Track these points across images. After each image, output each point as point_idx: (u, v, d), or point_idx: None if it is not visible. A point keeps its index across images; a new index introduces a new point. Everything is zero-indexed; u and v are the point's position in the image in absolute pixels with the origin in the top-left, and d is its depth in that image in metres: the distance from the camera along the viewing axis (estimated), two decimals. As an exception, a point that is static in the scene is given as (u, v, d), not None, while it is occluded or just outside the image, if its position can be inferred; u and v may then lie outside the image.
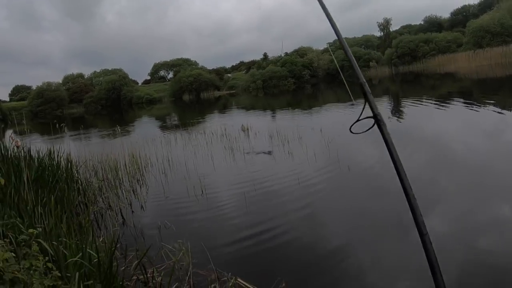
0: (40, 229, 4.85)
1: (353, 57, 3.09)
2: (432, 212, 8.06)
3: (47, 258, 4.05)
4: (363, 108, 2.85)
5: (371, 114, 2.84)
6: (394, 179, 8.62)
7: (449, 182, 9.94)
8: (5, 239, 3.74)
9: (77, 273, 4.38)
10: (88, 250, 5.28)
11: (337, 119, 25.69)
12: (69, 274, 4.42)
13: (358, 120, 3.04)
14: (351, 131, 3.26)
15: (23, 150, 10.39)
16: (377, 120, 2.81)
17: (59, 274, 3.96)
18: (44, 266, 3.75)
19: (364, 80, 2.88)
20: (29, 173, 8.52)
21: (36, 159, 11.32)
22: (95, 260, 5.17)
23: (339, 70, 4.01)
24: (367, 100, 2.84)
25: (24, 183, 7.77)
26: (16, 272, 3.32)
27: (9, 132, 28.12)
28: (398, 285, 5.88)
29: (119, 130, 20.01)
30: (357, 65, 2.99)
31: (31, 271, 3.54)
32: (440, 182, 10.01)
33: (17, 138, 9.40)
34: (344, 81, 3.70)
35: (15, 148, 10.28)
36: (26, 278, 3.40)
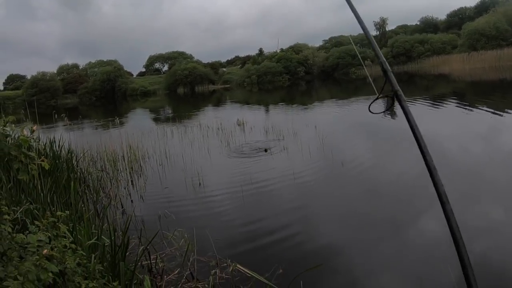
0: (68, 212, 5.17)
1: (373, 38, 3.21)
2: (428, 215, 8.41)
3: (71, 239, 4.38)
4: (383, 87, 3.04)
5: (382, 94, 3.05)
6: (388, 175, 9.07)
7: (446, 183, 10.22)
8: (41, 221, 4.06)
9: (93, 255, 4.73)
10: (102, 236, 5.66)
11: (331, 116, 26.00)
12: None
13: (377, 98, 3.15)
14: (370, 111, 3.46)
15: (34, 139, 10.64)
16: (397, 96, 2.94)
17: (84, 253, 4.32)
18: (69, 248, 4.08)
19: (384, 59, 2.99)
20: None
21: (49, 148, 11.59)
22: (107, 244, 5.54)
23: (362, 61, 4.22)
24: (387, 77, 2.99)
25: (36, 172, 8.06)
26: (51, 251, 3.67)
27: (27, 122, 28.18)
28: (392, 279, 6.24)
29: (118, 121, 20.24)
30: (376, 44, 3.15)
31: (63, 251, 3.88)
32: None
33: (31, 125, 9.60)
34: (370, 80, 3.60)
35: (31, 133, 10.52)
36: (60, 256, 3.75)
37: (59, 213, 4.37)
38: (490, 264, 6.16)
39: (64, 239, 4.03)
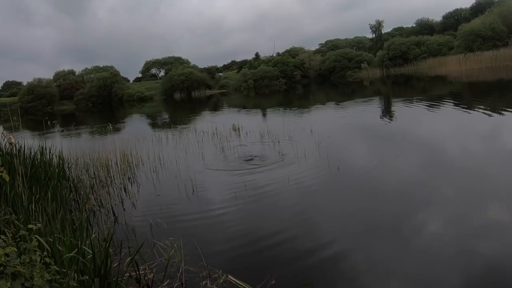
0: (40, 225, 4.92)
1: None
2: (427, 215, 8.23)
3: (44, 253, 4.15)
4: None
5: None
6: (383, 179, 8.83)
7: (441, 184, 10.07)
8: (5, 236, 3.83)
9: (73, 268, 4.49)
10: (83, 246, 5.40)
11: (327, 120, 25.85)
12: (64, 270, 4.52)
13: None
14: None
15: (15, 147, 10.39)
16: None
17: (57, 269, 4.07)
18: (42, 261, 3.86)
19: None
20: (23, 170, 8.58)
21: (29, 156, 11.34)
22: (89, 256, 5.29)
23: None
24: None
25: (18, 180, 7.84)
26: (17, 267, 3.44)
27: (0, 128, 28.00)
28: (388, 284, 6.01)
29: (111, 127, 20.01)
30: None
31: (31, 266, 3.65)
32: (432, 184, 10.12)
33: (10, 134, 9.39)
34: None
35: (8, 144, 10.27)
36: (27, 272, 3.52)
37: (30, 225, 4.12)
38: (500, 264, 6.00)
39: (35, 253, 3.78)
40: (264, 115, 35.60)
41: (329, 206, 9.64)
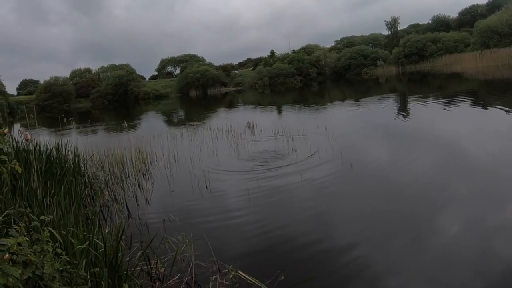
0: (51, 216, 5.02)
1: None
2: (444, 214, 8.20)
3: (56, 244, 4.22)
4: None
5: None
6: (397, 178, 8.83)
7: (459, 183, 10.01)
8: (18, 226, 3.92)
9: (84, 260, 4.57)
10: (94, 239, 5.48)
11: (342, 117, 25.81)
12: (76, 262, 4.60)
13: None
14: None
15: (32, 143, 10.51)
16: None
17: (68, 259, 4.16)
18: (54, 252, 3.95)
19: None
20: (39, 166, 8.70)
21: (44, 152, 11.44)
22: (101, 250, 5.37)
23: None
24: None
25: (33, 175, 7.96)
26: (29, 255, 3.53)
27: (17, 126, 28.22)
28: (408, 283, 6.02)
29: (126, 125, 20.08)
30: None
31: (42, 255, 3.74)
32: (447, 183, 10.05)
33: (26, 131, 9.47)
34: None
35: (24, 141, 10.40)
36: (38, 261, 3.61)
37: (42, 217, 4.21)
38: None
39: (47, 244, 3.87)
40: (279, 112, 35.56)
41: (341, 204, 9.65)
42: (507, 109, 19.36)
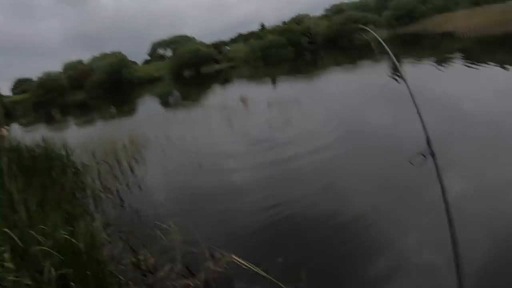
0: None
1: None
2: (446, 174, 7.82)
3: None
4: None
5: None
6: (400, 144, 8.23)
7: (457, 141, 9.61)
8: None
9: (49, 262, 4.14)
10: (81, 233, 5.03)
11: (336, 83, 25.44)
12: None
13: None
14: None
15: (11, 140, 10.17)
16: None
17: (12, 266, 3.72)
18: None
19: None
20: (14, 161, 8.32)
21: (31, 148, 11.17)
22: (84, 243, 4.91)
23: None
24: None
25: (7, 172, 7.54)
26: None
27: (14, 126, 28.10)
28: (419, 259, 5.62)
29: (115, 110, 19.77)
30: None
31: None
32: (447, 141, 9.51)
33: (3, 127, 9.11)
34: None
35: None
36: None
37: None
38: None
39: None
40: (273, 84, 35.19)
41: (342, 177, 9.16)
42: (500, 65, 18.81)
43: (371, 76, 25.54)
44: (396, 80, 19.67)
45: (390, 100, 15.94)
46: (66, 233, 4.98)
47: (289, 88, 26.16)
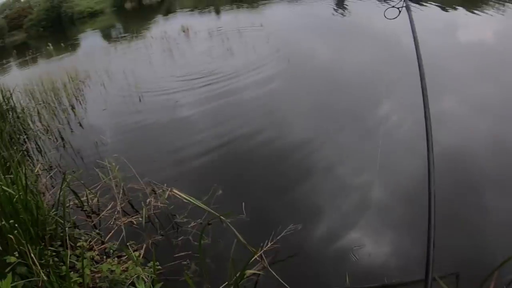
0: None
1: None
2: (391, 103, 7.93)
3: None
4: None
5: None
6: (341, 71, 8.11)
7: (398, 73, 9.41)
8: None
9: None
10: (18, 182, 4.82)
11: (279, 14, 25.08)
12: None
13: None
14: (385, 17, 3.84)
15: None
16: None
17: None
18: None
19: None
20: None
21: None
22: (21, 193, 4.72)
23: None
24: None
25: None
26: None
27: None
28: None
29: (51, 47, 19.17)
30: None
31: None
32: (389, 74, 9.36)
33: None
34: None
35: None
36: None
37: None
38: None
39: None
40: (216, 13, 34.55)
41: (285, 102, 9.28)
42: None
43: (315, 8, 25.23)
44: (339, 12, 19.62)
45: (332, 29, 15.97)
46: (2, 183, 4.77)
47: (232, 18, 25.69)
